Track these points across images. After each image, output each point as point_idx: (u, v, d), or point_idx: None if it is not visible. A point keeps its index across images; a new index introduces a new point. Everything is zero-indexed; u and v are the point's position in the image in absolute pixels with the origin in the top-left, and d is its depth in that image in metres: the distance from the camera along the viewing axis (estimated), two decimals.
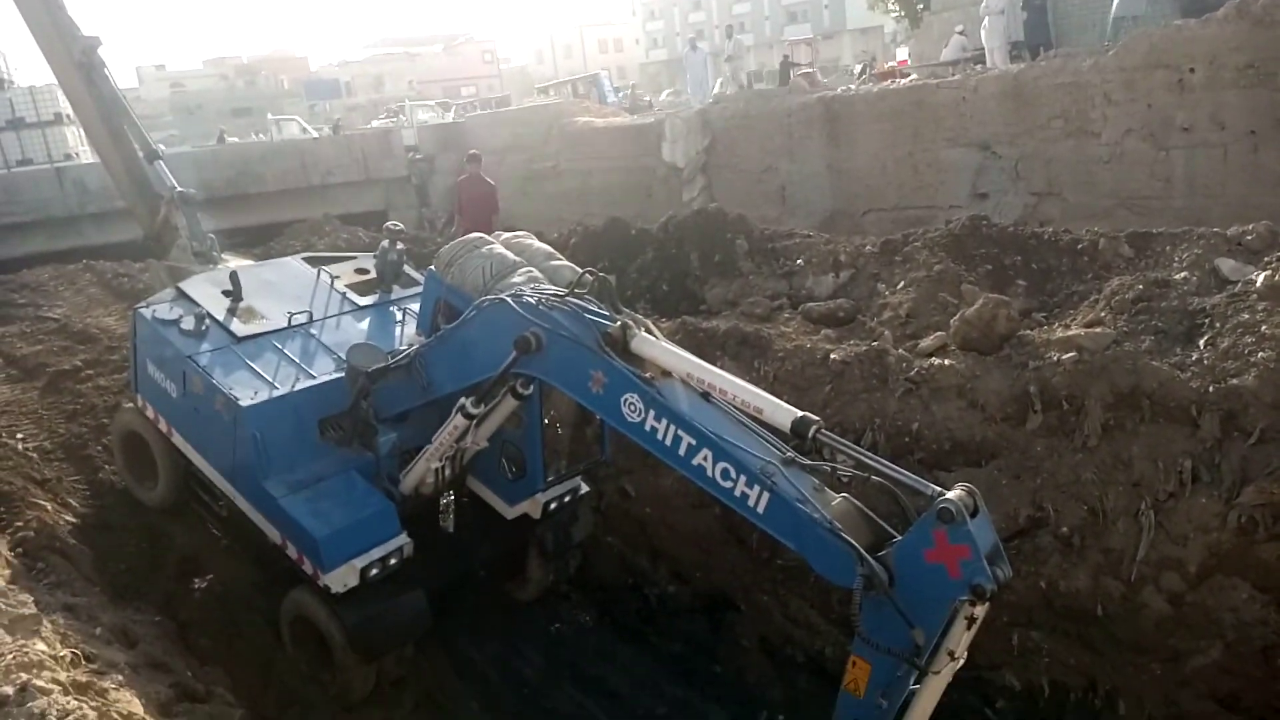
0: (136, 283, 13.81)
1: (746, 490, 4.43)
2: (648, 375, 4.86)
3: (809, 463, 4.47)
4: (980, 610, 3.83)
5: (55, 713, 2.56)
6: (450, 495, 6.88)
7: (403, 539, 6.49)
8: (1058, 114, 13.43)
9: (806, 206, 17.65)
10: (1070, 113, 13.28)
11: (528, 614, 7.79)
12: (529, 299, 5.41)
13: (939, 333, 8.08)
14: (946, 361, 7.55)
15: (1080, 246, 8.75)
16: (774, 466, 4.39)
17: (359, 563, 6.28)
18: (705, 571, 7.91)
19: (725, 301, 9.59)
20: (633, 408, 4.83)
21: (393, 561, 6.44)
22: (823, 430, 4.34)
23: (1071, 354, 6.94)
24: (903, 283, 9.15)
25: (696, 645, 7.57)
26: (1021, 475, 6.78)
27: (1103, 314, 7.46)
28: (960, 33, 20.48)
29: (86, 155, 25.01)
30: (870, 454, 4.36)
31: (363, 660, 6.47)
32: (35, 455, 8.23)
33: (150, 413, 7.48)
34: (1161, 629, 5.99)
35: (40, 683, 2.71)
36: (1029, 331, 7.68)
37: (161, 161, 9.89)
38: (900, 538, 4.08)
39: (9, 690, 2.62)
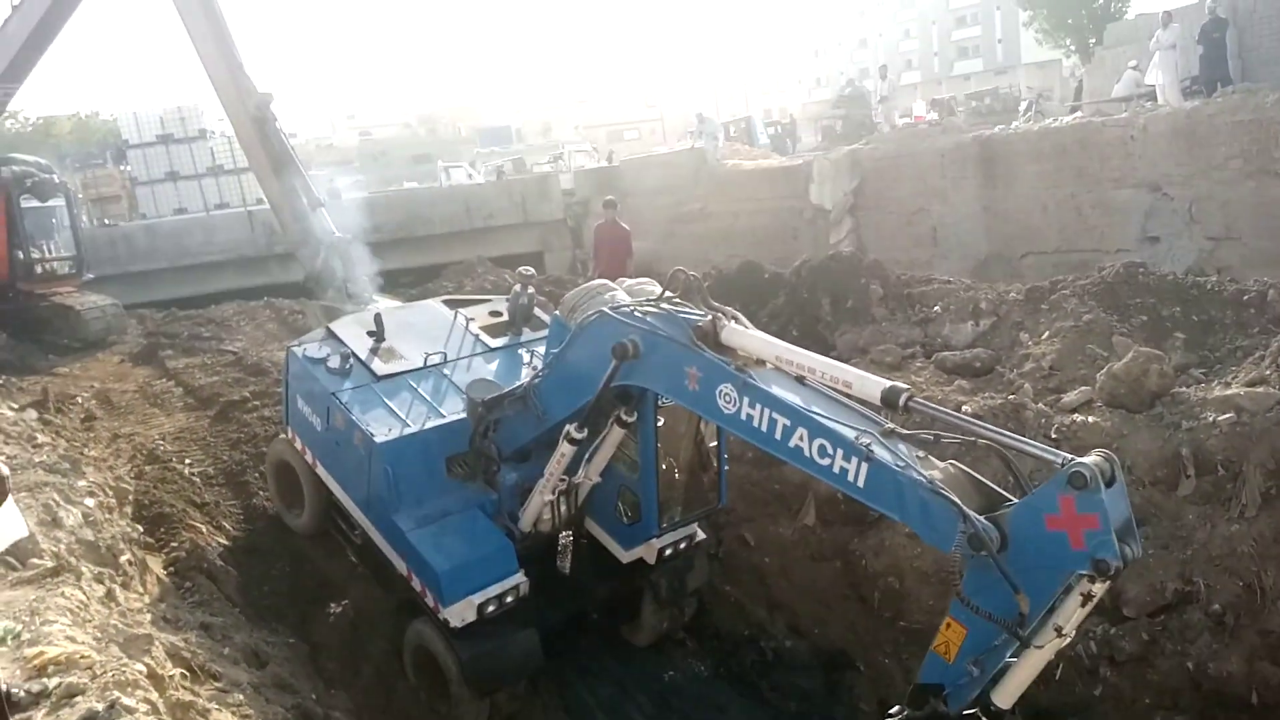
0: (310, 320, 14.76)
1: (845, 465, 4.25)
2: (740, 365, 4.83)
3: (909, 432, 4.31)
4: (1099, 588, 3.61)
5: None
6: (568, 536, 7.01)
7: (519, 577, 6.63)
8: (1236, 154, 12.47)
9: (960, 250, 17.07)
10: (1250, 152, 12.31)
11: (642, 659, 7.73)
12: (625, 308, 5.54)
13: (1084, 388, 7.60)
14: (1090, 419, 7.09)
15: (1247, 298, 8.05)
16: (870, 436, 4.24)
17: (476, 599, 6.46)
18: (824, 627, 7.66)
19: (855, 349, 9.32)
20: (728, 398, 4.80)
21: (509, 599, 6.58)
22: (915, 398, 4.18)
23: (1229, 415, 6.40)
24: (1047, 333, 8.67)
25: (812, 703, 7.32)
26: (1170, 545, 6.28)
27: (1268, 372, 6.81)
28: (1134, 68, 19.44)
29: None
30: (972, 419, 4.14)
31: (476, 694, 6.64)
32: (198, 480, 8.87)
33: (299, 444, 7.99)
34: None
35: (129, 701, 2.97)
36: (1184, 389, 7.11)
37: (324, 209, 10.65)
38: (1017, 501, 3.86)
39: (99, 706, 2.89)
